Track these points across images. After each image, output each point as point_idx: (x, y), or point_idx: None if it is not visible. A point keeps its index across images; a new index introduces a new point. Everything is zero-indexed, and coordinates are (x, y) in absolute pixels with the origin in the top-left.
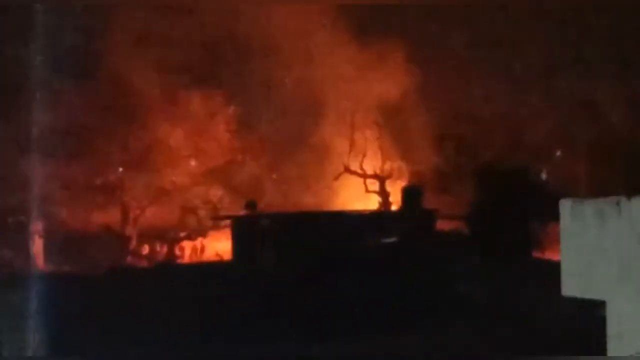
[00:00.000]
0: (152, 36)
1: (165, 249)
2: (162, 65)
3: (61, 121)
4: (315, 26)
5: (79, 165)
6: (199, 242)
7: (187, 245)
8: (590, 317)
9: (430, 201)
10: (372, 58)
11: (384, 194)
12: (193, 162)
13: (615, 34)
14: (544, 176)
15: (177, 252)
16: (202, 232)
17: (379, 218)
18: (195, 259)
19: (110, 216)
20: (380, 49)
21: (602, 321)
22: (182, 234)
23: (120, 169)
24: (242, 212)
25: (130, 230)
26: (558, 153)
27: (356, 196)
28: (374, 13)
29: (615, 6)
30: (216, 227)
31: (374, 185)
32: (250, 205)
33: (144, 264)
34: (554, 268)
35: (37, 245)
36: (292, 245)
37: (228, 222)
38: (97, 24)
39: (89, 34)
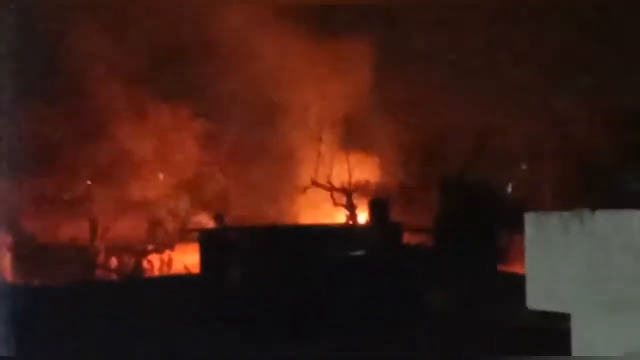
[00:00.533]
0: (117, 47)
1: (133, 262)
2: (128, 77)
3: (28, 134)
4: (284, 36)
5: (47, 179)
6: (166, 255)
7: (155, 258)
8: (555, 329)
9: (396, 214)
10: (340, 69)
11: (351, 207)
12: (161, 175)
13: (583, 45)
14: (509, 189)
15: (145, 265)
16: (170, 245)
17: (346, 231)
18: (163, 272)
19: (78, 229)
20: (348, 60)
21: (566, 334)
22: (150, 247)
23: (88, 182)
24: (210, 225)
25: (98, 244)
26: (523, 166)
27: (323, 209)
28: (341, 21)
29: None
30: (184, 240)
31: (341, 198)
32: (218, 218)
33: (112, 277)
34: (519, 280)
35: (5, 259)
36: (260, 258)
37: (196, 235)
38: (63, 35)
39: (54, 44)
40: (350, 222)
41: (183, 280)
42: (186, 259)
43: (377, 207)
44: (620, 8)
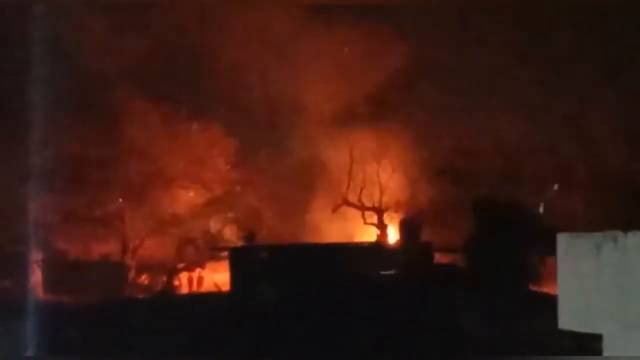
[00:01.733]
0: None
1: (163, 280)
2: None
3: (61, 152)
4: (317, 57)
5: (79, 196)
6: (197, 273)
7: (185, 276)
8: (586, 350)
9: (427, 234)
10: (373, 90)
11: (381, 226)
12: (192, 194)
13: (607, 65)
14: (541, 209)
15: (176, 282)
16: (200, 263)
17: (377, 250)
18: (193, 290)
19: (109, 247)
20: (379, 85)
21: (598, 354)
22: (180, 265)
23: (120, 200)
24: (241, 244)
25: (129, 261)
26: (555, 187)
27: (354, 228)
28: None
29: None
30: (215, 258)
31: (372, 217)
32: (249, 236)
33: (143, 294)
34: (551, 301)
35: (37, 275)
36: (290, 277)
37: (226, 253)
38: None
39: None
40: (381, 241)
41: (213, 298)
42: (217, 277)
43: (408, 227)
44: None
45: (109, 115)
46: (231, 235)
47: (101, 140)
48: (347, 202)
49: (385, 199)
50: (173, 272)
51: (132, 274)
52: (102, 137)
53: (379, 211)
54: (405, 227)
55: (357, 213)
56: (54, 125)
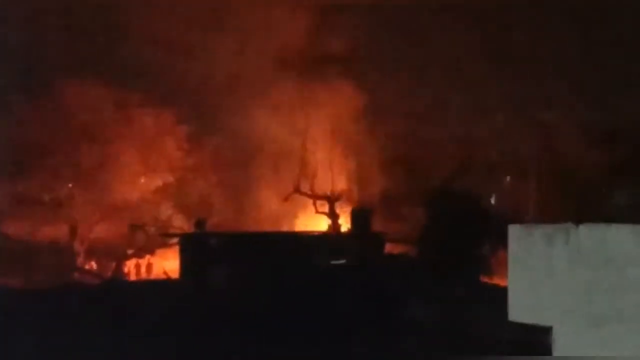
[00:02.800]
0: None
1: (112, 265)
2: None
3: (10, 137)
4: (267, 48)
5: (28, 180)
6: (146, 259)
7: (134, 262)
8: (536, 342)
9: (379, 224)
10: (324, 80)
11: (333, 215)
12: (143, 180)
13: (572, 63)
14: (493, 200)
15: (125, 269)
16: (150, 250)
17: (328, 239)
18: (142, 277)
19: (58, 231)
20: (332, 72)
21: (547, 347)
22: (130, 251)
23: (70, 185)
24: (191, 231)
25: (78, 246)
26: (507, 178)
27: (305, 217)
28: (327, 42)
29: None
30: (164, 245)
31: (324, 206)
32: (199, 223)
33: (92, 280)
34: (502, 293)
35: None
36: (241, 264)
37: (176, 240)
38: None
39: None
40: (332, 231)
41: (162, 285)
42: (166, 264)
43: (360, 217)
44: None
45: (60, 100)
46: (181, 222)
47: (52, 125)
48: (298, 191)
49: (337, 188)
50: (122, 258)
51: (81, 259)
52: (52, 122)
53: (331, 200)
54: (357, 217)
55: (308, 202)
56: (2, 109)
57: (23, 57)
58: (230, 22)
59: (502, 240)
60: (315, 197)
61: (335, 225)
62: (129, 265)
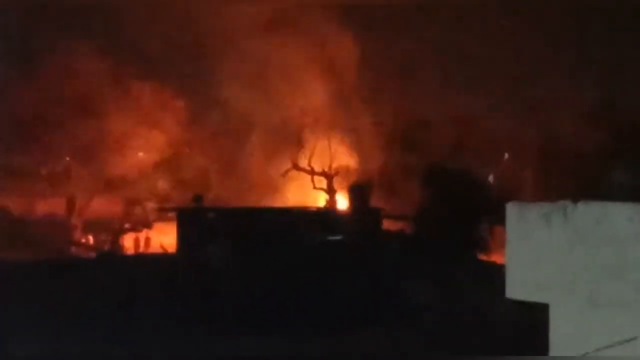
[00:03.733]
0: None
1: (110, 239)
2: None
3: (7, 110)
4: (267, 25)
5: (26, 154)
6: (144, 233)
7: (132, 236)
8: (533, 320)
9: (376, 200)
10: (324, 58)
11: (331, 191)
12: (141, 154)
13: (565, 40)
14: (491, 178)
15: (122, 242)
16: (147, 224)
17: (325, 215)
18: (140, 251)
19: (56, 205)
20: (332, 49)
21: (545, 325)
22: (127, 226)
23: (67, 159)
24: (189, 205)
25: (75, 220)
26: (506, 156)
27: (303, 193)
28: (326, 13)
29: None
30: (162, 219)
31: (322, 182)
32: (197, 198)
33: (88, 253)
34: (499, 270)
35: None
36: (238, 240)
37: (174, 214)
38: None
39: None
40: (330, 207)
41: (159, 259)
42: (164, 238)
43: (358, 193)
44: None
45: (57, 74)
46: (179, 196)
47: (49, 99)
48: (296, 167)
49: (335, 164)
50: (120, 232)
51: (77, 233)
52: (50, 96)
53: (329, 176)
54: (354, 193)
55: (306, 177)
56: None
57: (19, 30)
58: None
59: (499, 218)
60: (313, 172)
61: (332, 201)
62: (126, 240)
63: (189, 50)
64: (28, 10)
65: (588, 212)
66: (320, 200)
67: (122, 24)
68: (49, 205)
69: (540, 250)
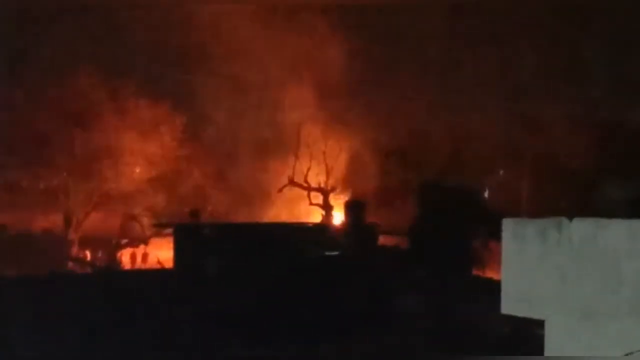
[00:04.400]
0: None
1: (107, 255)
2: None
3: (5, 125)
4: (265, 35)
5: (23, 169)
6: (141, 249)
7: (128, 251)
8: (528, 335)
9: (372, 215)
10: (321, 73)
11: (327, 207)
12: (138, 169)
13: (558, 54)
14: (486, 194)
15: (119, 258)
16: (144, 239)
17: (322, 231)
18: (136, 266)
19: (53, 220)
20: (330, 65)
21: (540, 340)
22: (124, 241)
23: (65, 174)
24: (185, 221)
25: (72, 235)
26: (501, 172)
27: (300, 208)
28: (323, 25)
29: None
30: (159, 235)
31: (318, 198)
32: (194, 213)
33: (85, 269)
34: (494, 286)
35: None
36: (235, 255)
37: (170, 230)
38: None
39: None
40: (326, 222)
41: (156, 275)
42: (160, 253)
43: (354, 208)
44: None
45: (56, 90)
46: (176, 212)
47: (47, 115)
48: (293, 182)
49: (331, 180)
50: (117, 248)
51: (75, 248)
52: (47, 111)
53: (325, 192)
54: (351, 209)
55: (302, 193)
56: None
57: (17, 47)
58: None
59: (495, 234)
60: (309, 188)
61: (329, 217)
62: (123, 255)
63: (186, 66)
64: (26, 26)
65: (583, 228)
66: (316, 215)
67: (120, 40)
68: (46, 221)
69: (536, 266)
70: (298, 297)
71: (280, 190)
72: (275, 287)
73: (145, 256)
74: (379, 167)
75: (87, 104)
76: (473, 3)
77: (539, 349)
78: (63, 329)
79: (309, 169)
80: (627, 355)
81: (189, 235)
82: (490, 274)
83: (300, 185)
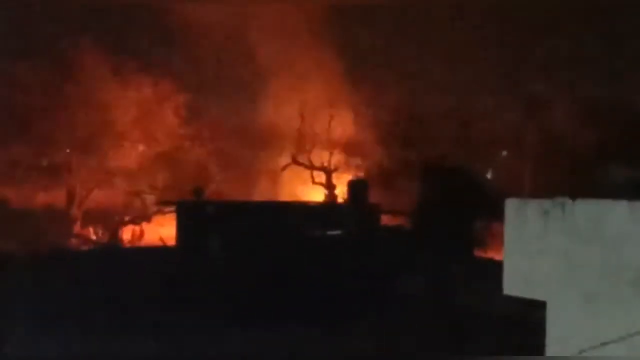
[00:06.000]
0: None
1: (109, 232)
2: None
3: (7, 101)
4: (268, 18)
5: (26, 145)
6: (143, 226)
7: (131, 229)
8: (530, 317)
9: (375, 195)
10: (324, 53)
11: (330, 186)
12: (141, 147)
13: (564, 37)
14: (489, 175)
15: (122, 235)
16: (147, 217)
17: (324, 210)
18: (139, 243)
19: (55, 197)
20: (332, 45)
21: (542, 322)
22: (127, 218)
23: (68, 150)
24: (189, 199)
25: (75, 212)
26: (504, 153)
27: (302, 187)
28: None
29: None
30: (161, 212)
31: (321, 177)
32: (197, 191)
33: (88, 245)
34: (497, 267)
35: None
36: (237, 233)
37: (173, 207)
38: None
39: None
40: (329, 201)
41: (159, 252)
42: (163, 231)
43: (357, 188)
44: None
45: (58, 66)
46: (179, 189)
47: (50, 90)
48: (295, 161)
49: (334, 159)
50: (119, 225)
51: (77, 225)
52: (51, 87)
53: (328, 171)
54: (353, 188)
55: (305, 172)
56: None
57: (20, 23)
58: None
59: (498, 214)
60: (312, 167)
61: (331, 196)
62: (126, 232)
63: (190, 45)
64: (30, 3)
65: (586, 209)
66: (319, 195)
67: (124, 19)
68: (48, 197)
69: (538, 247)
70: (300, 276)
71: (284, 168)
72: (277, 265)
73: (147, 233)
74: (382, 146)
75: (91, 80)
76: None
77: (541, 331)
78: (63, 306)
79: (312, 148)
80: (631, 335)
81: (192, 213)
82: (492, 254)
83: (303, 164)
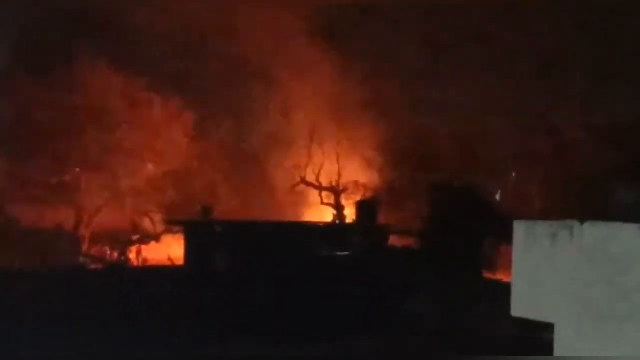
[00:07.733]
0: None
1: (117, 251)
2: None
3: (18, 119)
4: (279, 34)
5: (35, 163)
6: (151, 245)
7: (139, 248)
8: (538, 339)
9: (384, 216)
10: (334, 73)
11: (338, 207)
12: (150, 166)
13: (577, 59)
14: (498, 196)
15: (129, 254)
16: (155, 236)
17: (333, 230)
18: (147, 263)
19: (64, 216)
20: (343, 65)
21: (549, 344)
22: (135, 237)
23: (77, 169)
24: (197, 218)
25: (83, 231)
26: (513, 174)
27: (311, 208)
28: (339, 28)
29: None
30: (169, 232)
31: (330, 198)
32: (206, 211)
33: (96, 264)
34: (505, 288)
35: None
36: (245, 253)
37: (181, 227)
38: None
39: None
40: (337, 222)
41: (167, 272)
42: (171, 250)
43: (365, 209)
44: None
45: (68, 84)
46: (187, 209)
47: (60, 109)
48: (304, 181)
49: (343, 180)
50: (127, 244)
51: (85, 244)
52: (61, 106)
53: (337, 192)
54: (362, 209)
55: (314, 193)
56: (10, 90)
57: (30, 37)
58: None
59: (506, 236)
60: (321, 188)
61: (340, 217)
62: (134, 251)
63: (199, 64)
64: (42, 20)
65: (594, 231)
66: (328, 215)
67: (135, 38)
68: (57, 216)
69: (546, 269)
70: (308, 297)
71: (293, 188)
72: (285, 286)
73: (155, 253)
74: (391, 167)
75: (100, 99)
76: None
77: (548, 354)
78: (72, 324)
79: (320, 169)
80: None
81: (200, 233)
82: (500, 276)
83: (312, 185)
